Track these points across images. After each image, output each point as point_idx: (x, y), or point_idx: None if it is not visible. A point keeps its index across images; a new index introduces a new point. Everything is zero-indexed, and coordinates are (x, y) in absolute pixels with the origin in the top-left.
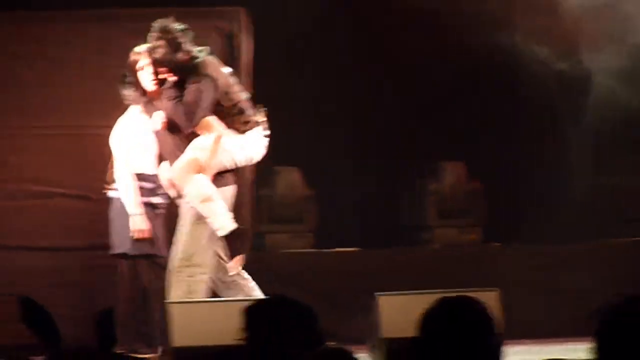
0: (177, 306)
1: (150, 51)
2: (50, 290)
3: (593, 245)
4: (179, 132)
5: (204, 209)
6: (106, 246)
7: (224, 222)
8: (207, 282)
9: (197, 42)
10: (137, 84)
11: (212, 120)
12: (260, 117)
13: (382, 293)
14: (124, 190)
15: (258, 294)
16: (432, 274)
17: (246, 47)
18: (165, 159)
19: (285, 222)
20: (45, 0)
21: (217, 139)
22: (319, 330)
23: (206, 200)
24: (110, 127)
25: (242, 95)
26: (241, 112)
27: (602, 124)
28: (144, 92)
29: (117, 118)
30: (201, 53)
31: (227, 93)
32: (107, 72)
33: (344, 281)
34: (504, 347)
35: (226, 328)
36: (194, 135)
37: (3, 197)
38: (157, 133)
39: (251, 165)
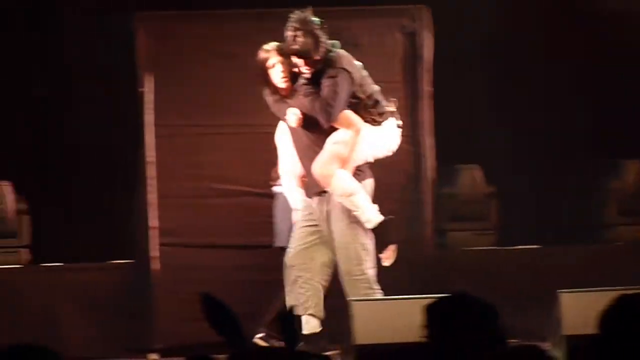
0: (358, 304)
1: (290, 42)
2: (236, 289)
3: None
4: (316, 128)
5: (349, 204)
6: None
7: (371, 215)
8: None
9: (378, 41)
10: (268, 83)
11: (350, 113)
12: (393, 108)
13: (564, 290)
14: (286, 187)
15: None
16: (614, 272)
17: (427, 45)
18: (300, 156)
19: (467, 219)
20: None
21: (357, 132)
22: (501, 327)
23: (351, 194)
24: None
25: (375, 87)
26: (376, 103)
27: None
28: (275, 90)
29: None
30: (335, 47)
31: (362, 85)
32: None
33: (526, 278)
34: None
35: (408, 326)
36: (331, 130)
37: (189, 196)
38: (291, 130)
39: (432, 164)
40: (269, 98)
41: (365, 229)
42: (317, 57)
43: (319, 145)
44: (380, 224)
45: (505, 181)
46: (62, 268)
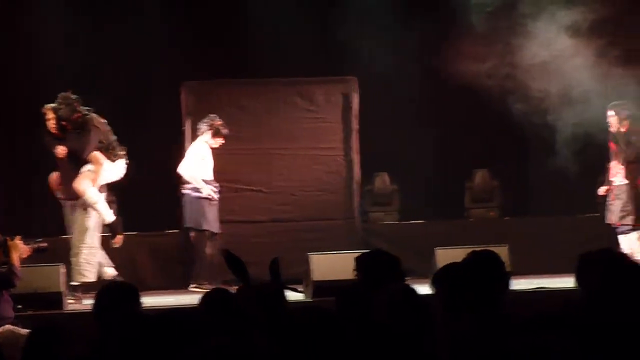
0: (314, 256)
1: (56, 111)
2: (243, 247)
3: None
4: (76, 160)
5: (96, 208)
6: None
7: (107, 217)
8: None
9: (327, 98)
10: (46, 129)
11: (97, 153)
12: (123, 152)
13: (439, 247)
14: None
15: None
16: (468, 236)
17: (355, 100)
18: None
19: (380, 205)
20: (243, 73)
21: (100, 165)
22: (401, 270)
23: (96, 203)
24: (280, 149)
25: (114, 138)
26: (114, 148)
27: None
28: (50, 134)
29: (286, 143)
30: (89, 111)
31: (104, 135)
32: (279, 115)
33: (416, 240)
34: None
35: (346, 269)
36: (85, 161)
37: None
38: (60, 160)
39: (359, 172)
40: (46, 138)
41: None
42: (75, 120)
43: (77, 171)
44: (112, 222)
45: (403, 182)
46: (141, 234)
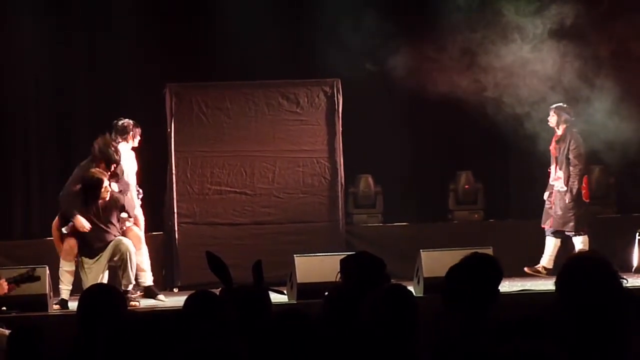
0: (299, 258)
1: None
2: (225, 249)
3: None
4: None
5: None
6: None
7: None
8: None
9: (310, 100)
10: (98, 195)
11: None
12: None
13: (424, 250)
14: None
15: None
16: (452, 239)
17: (339, 102)
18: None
19: (364, 207)
20: (227, 76)
21: None
22: (386, 272)
23: None
24: (264, 151)
25: None
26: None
27: None
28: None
29: (270, 145)
30: None
31: None
32: (262, 117)
33: (400, 242)
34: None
35: (330, 271)
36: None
37: (196, 193)
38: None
39: (342, 174)
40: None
41: None
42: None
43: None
44: None
45: (386, 184)
46: None
